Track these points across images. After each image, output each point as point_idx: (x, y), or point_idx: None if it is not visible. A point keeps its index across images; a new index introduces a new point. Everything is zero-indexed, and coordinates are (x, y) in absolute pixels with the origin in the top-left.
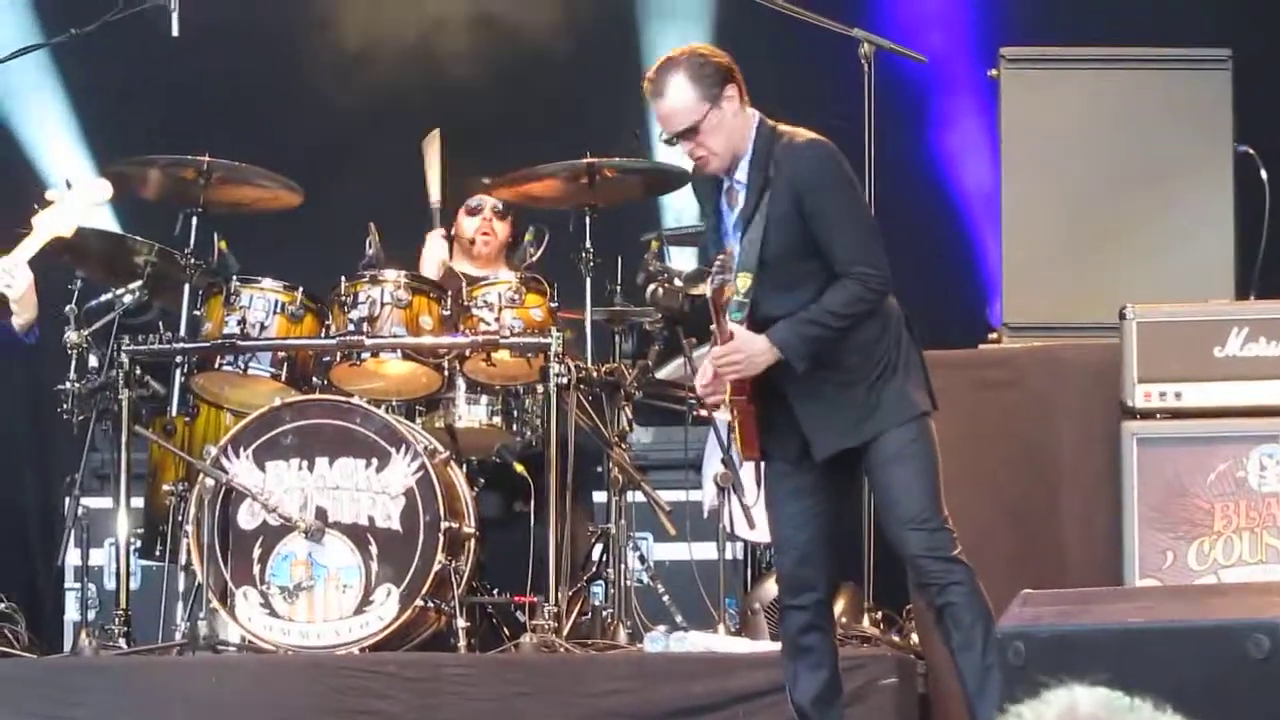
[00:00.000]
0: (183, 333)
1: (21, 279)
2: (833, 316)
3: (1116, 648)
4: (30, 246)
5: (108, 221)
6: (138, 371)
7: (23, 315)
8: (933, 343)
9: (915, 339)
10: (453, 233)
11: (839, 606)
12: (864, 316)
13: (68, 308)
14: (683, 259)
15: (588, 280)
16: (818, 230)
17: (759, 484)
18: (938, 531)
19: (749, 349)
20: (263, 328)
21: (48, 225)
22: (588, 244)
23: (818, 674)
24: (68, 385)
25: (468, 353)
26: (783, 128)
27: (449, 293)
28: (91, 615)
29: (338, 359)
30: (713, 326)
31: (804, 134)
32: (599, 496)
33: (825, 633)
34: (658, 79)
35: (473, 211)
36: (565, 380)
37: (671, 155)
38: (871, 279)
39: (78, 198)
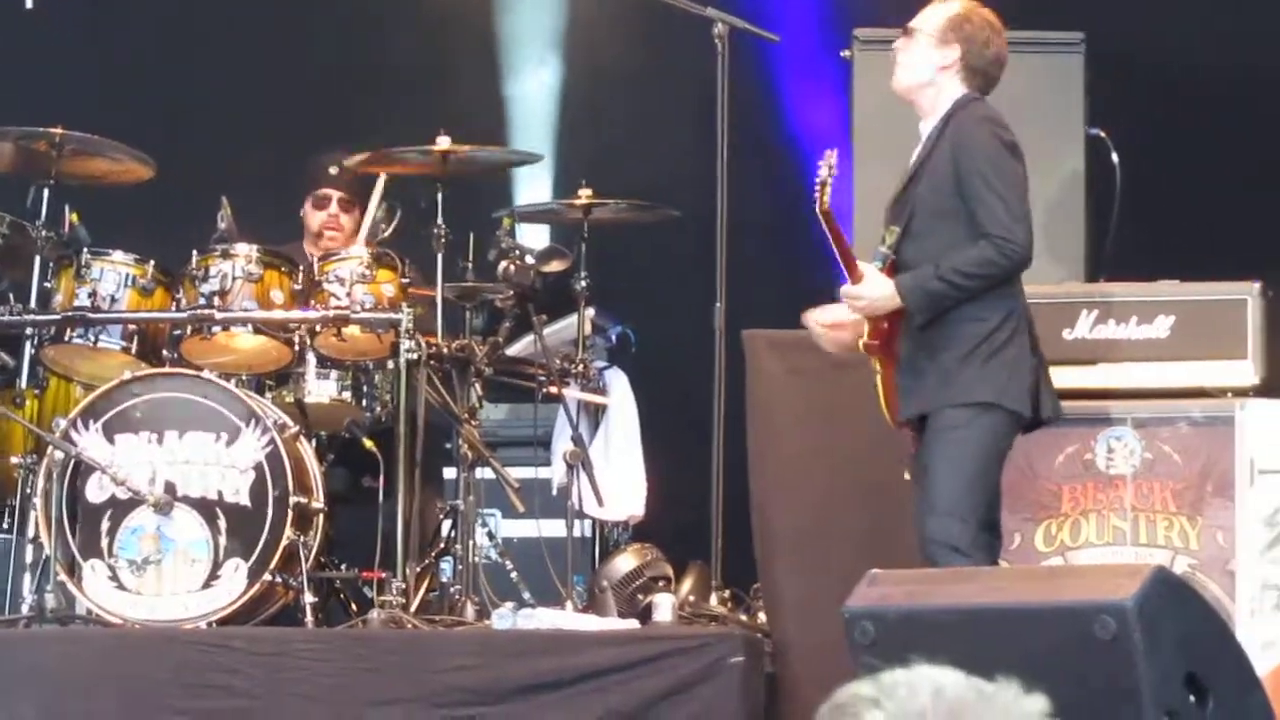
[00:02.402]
0: (33, 305)
1: None
2: (960, 275)
3: (965, 628)
4: None
5: None
6: None
7: None
8: (793, 323)
9: (1035, 342)
10: (300, 213)
11: (685, 585)
12: (993, 282)
13: None
14: (535, 236)
15: (439, 256)
16: (966, 191)
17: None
18: (954, 522)
19: (874, 291)
20: (114, 300)
21: None
22: (440, 220)
23: None
24: None
25: (318, 328)
26: (976, 104)
27: (300, 267)
28: None
29: (188, 333)
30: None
31: (985, 108)
32: (448, 473)
33: None
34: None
35: (319, 204)
36: (415, 356)
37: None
38: (1007, 245)
39: None
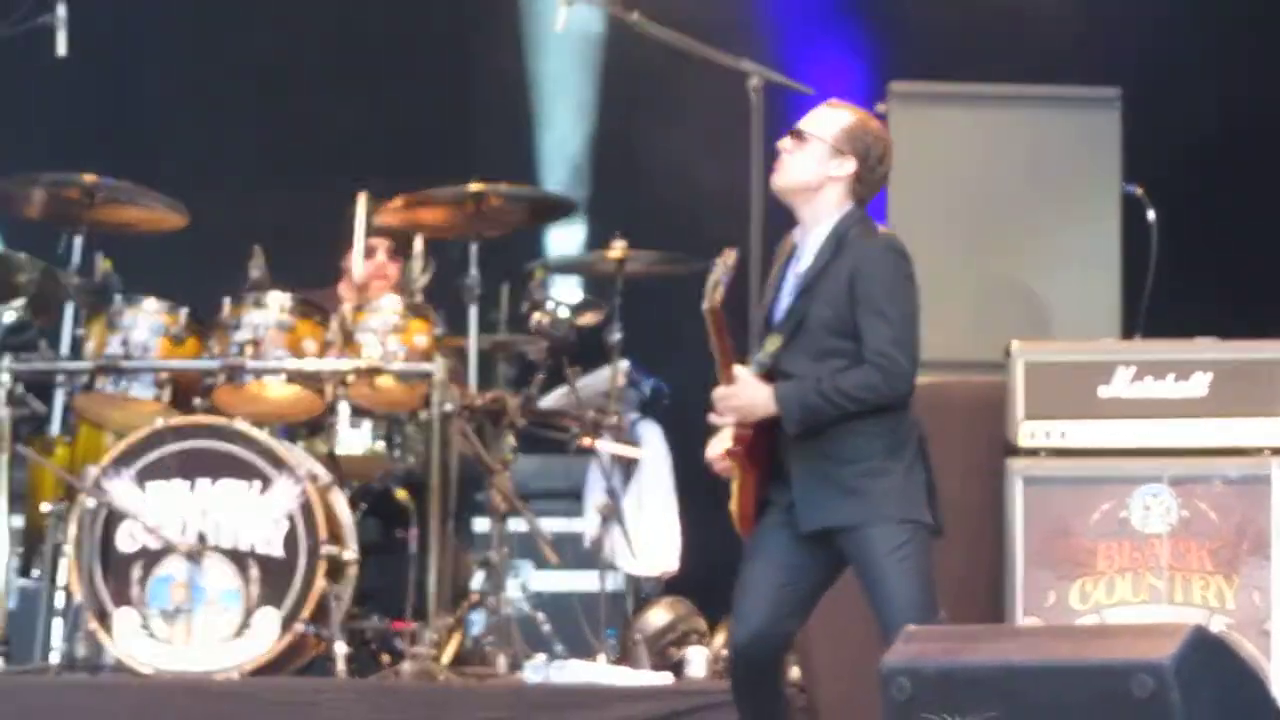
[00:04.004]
0: (65, 352)
1: None
2: (840, 394)
3: (1002, 686)
4: None
5: None
6: (19, 390)
7: None
8: None
9: (927, 458)
10: (343, 265)
11: (718, 640)
12: (873, 406)
13: None
14: (567, 288)
15: (472, 308)
16: (859, 313)
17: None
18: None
19: (749, 394)
20: (145, 349)
21: None
22: (473, 272)
23: None
24: None
25: (351, 378)
26: (870, 224)
27: (333, 316)
28: None
29: (221, 381)
30: (712, 348)
31: (884, 232)
32: (481, 524)
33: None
34: (834, 103)
35: (368, 254)
36: (449, 408)
37: (555, 183)
38: (892, 372)
39: None
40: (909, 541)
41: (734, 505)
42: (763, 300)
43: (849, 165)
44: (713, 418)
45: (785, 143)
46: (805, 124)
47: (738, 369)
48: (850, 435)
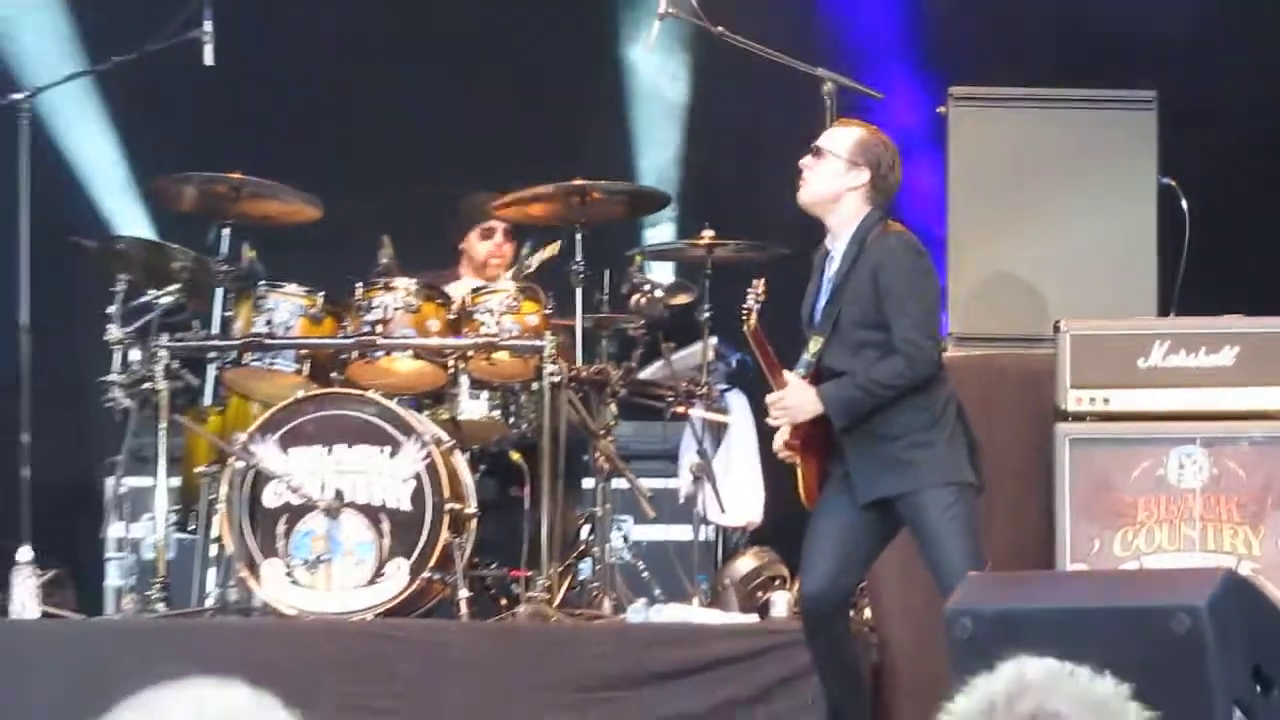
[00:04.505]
0: (215, 331)
1: None
2: (876, 385)
3: (1054, 625)
4: None
5: (148, 231)
6: (175, 366)
7: None
8: None
9: (966, 422)
10: (462, 247)
11: (799, 585)
12: (905, 390)
13: (111, 308)
14: (662, 272)
15: (578, 290)
16: (884, 306)
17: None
18: None
19: (797, 399)
20: (287, 328)
21: None
22: (578, 259)
23: None
24: (112, 377)
25: (470, 353)
26: (888, 225)
27: (454, 299)
28: (131, 582)
29: (354, 357)
30: (759, 363)
31: (899, 231)
32: (587, 483)
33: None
34: (844, 121)
35: (486, 235)
36: (557, 379)
37: (653, 180)
38: (916, 357)
39: None
40: (957, 501)
41: (800, 486)
42: (803, 306)
43: (863, 175)
44: (770, 420)
45: (805, 160)
46: (821, 142)
47: (786, 375)
48: (895, 413)
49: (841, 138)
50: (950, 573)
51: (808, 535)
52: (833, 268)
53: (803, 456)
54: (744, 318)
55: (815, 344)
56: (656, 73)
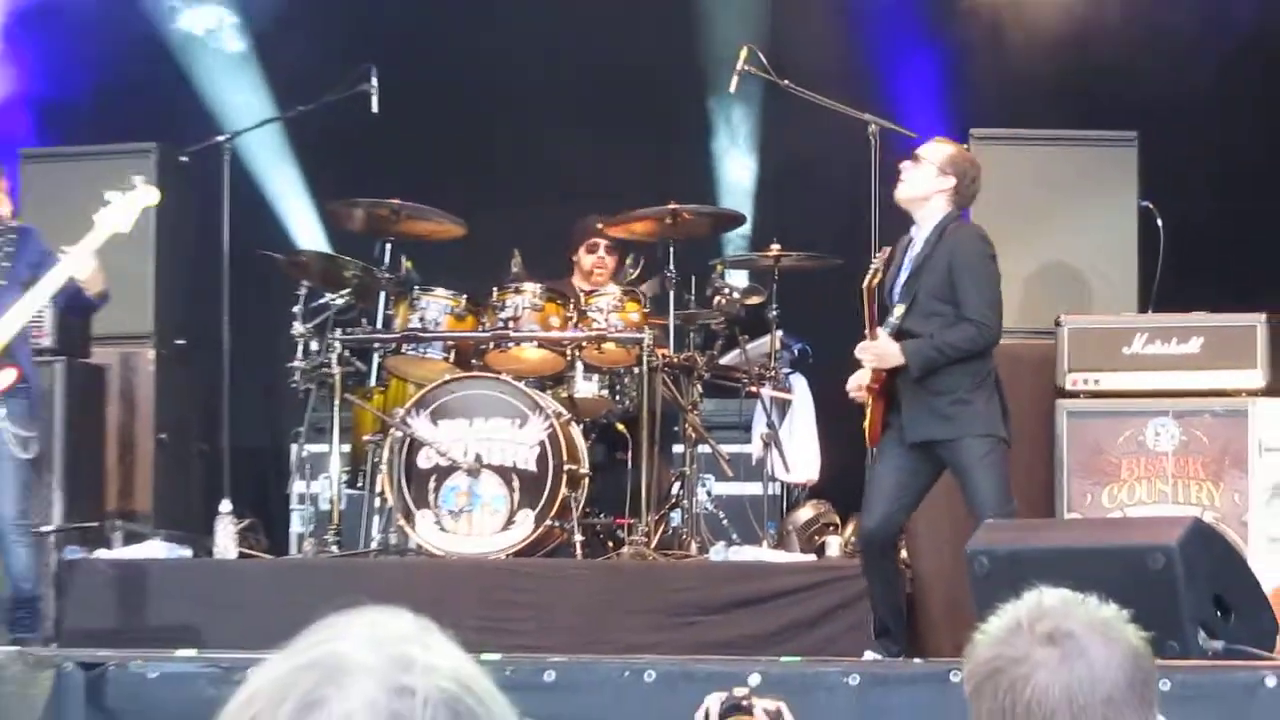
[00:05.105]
0: (379, 327)
1: (87, 264)
2: (950, 347)
3: (1055, 562)
4: (93, 240)
5: (325, 245)
6: (346, 354)
7: (93, 289)
8: None
9: (1001, 389)
10: (574, 259)
11: (849, 529)
12: (972, 354)
13: (295, 308)
14: (738, 277)
15: (670, 293)
16: (958, 286)
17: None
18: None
19: (884, 349)
20: (436, 324)
21: (107, 222)
22: (670, 268)
23: None
24: (296, 364)
25: (584, 344)
26: (964, 220)
27: (570, 299)
28: (311, 529)
29: (490, 347)
30: (863, 314)
31: (974, 225)
32: (677, 448)
33: None
34: (941, 138)
35: (591, 249)
36: (654, 365)
37: (730, 203)
38: (984, 327)
39: (130, 202)
40: (992, 451)
41: (866, 425)
42: (884, 282)
43: (950, 182)
44: (860, 357)
45: (906, 164)
46: (921, 150)
47: (879, 329)
48: (945, 374)
49: (937, 150)
50: (984, 510)
51: (868, 484)
52: (914, 251)
53: (873, 399)
54: (868, 275)
55: (898, 310)
56: (736, 116)
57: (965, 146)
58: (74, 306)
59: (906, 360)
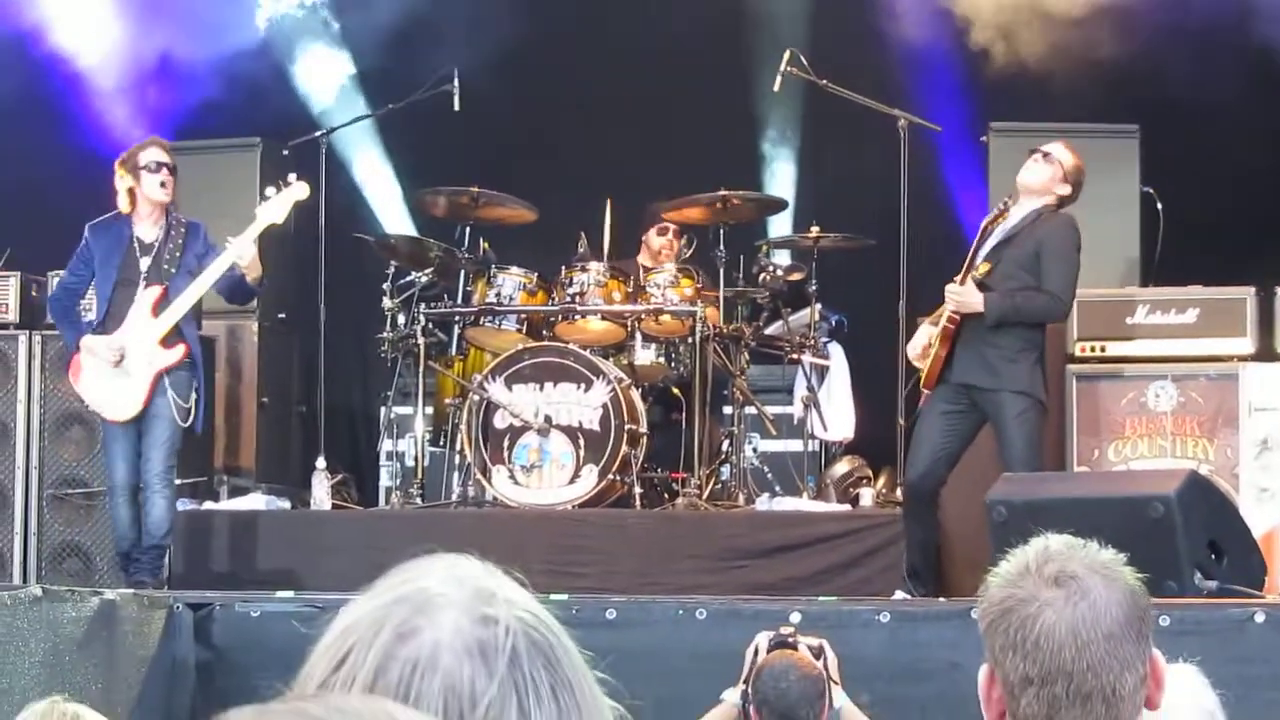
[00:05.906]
0: (459, 301)
1: (248, 252)
2: (1026, 308)
3: (1066, 511)
4: (253, 230)
5: (411, 229)
6: (430, 326)
7: (251, 274)
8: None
9: (1044, 365)
10: (643, 239)
11: (880, 482)
12: (1039, 318)
13: (384, 285)
14: (782, 257)
15: (720, 270)
16: (1044, 260)
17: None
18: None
19: (969, 295)
20: (511, 298)
21: (265, 215)
22: (721, 248)
23: None
24: (385, 335)
25: (643, 316)
26: (1065, 214)
27: (631, 276)
28: (398, 483)
29: (559, 319)
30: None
31: (1067, 213)
32: (726, 409)
33: None
34: (1070, 146)
35: (661, 232)
36: (706, 335)
37: (775, 189)
38: (1058, 301)
39: (285, 196)
40: (1028, 410)
41: (926, 367)
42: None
43: (1065, 190)
44: (947, 293)
45: (1036, 156)
46: (1054, 151)
47: (969, 278)
48: (1005, 332)
49: (1066, 158)
50: (1012, 464)
51: (915, 433)
52: (1009, 223)
53: (940, 343)
54: (994, 213)
55: (984, 268)
56: (780, 112)
57: (1082, 159)
58: (236, 291)
59: (985, 309)
